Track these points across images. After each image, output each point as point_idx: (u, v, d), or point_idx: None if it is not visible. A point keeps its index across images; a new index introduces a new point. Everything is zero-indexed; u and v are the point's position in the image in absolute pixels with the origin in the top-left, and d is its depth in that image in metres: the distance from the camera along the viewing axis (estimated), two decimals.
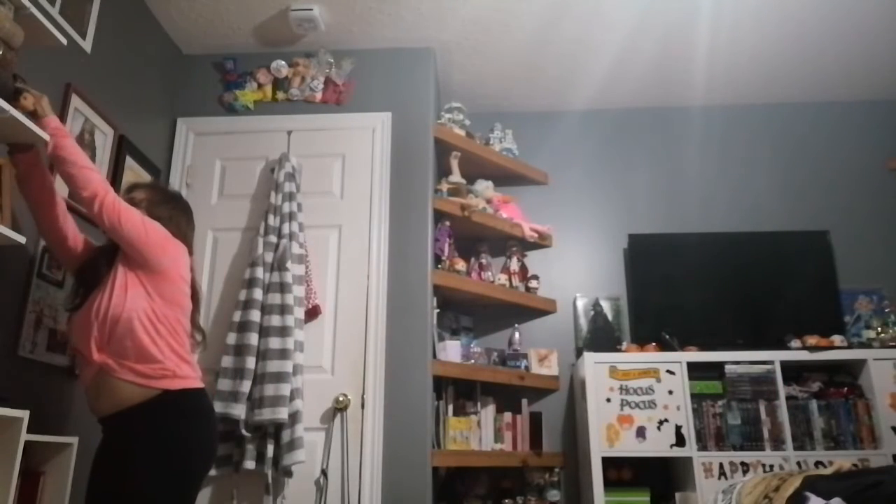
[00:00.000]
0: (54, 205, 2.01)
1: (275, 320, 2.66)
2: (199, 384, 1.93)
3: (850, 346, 3.05)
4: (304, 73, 3.20)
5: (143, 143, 2.90)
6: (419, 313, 2.88)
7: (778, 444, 2.87)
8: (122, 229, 1.85)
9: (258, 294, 2.69)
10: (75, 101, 2.42)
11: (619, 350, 3.15)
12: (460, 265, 3.20)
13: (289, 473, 2.58)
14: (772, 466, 2.82)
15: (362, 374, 2.79)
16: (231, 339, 2.67)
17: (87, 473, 1.85)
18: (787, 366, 2.99)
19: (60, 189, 2.12)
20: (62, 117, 2.35)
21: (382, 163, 3.08)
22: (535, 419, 3.22)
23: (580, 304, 3.50)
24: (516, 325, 3.40)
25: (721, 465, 2.82)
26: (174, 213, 2.07)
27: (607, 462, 2.88)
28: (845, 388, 2.99)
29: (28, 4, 1.87)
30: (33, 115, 1.85)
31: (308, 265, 2.87)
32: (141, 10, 2.94)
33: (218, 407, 2.55)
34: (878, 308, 3.37)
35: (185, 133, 3.18)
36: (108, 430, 1.86)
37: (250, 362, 2.60)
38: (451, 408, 3.03)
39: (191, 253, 2.07)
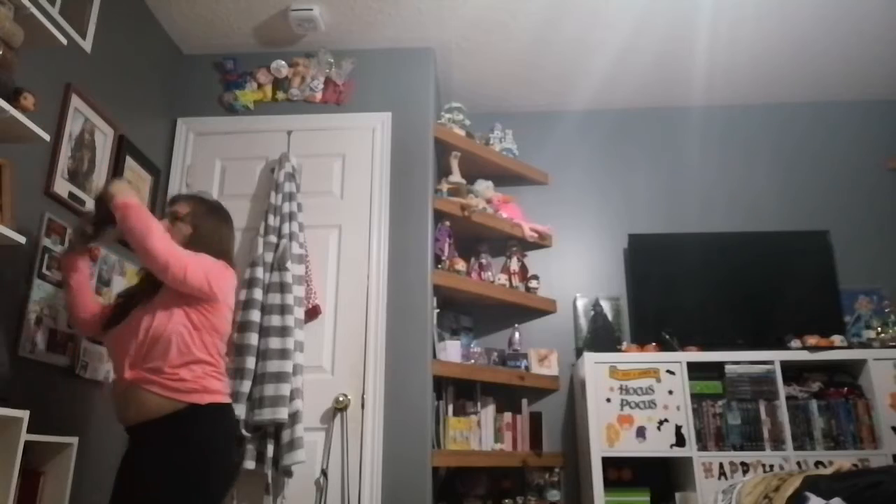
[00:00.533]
0: (89, 287, 2.13)
1: (275, 320, 2.66)
2: (226, 400, 1.94)
3: (850, 346, 3.05)
4: (304, 73, 3.20)
5: (143, 143, 2.90)
6: (419, 313, 2.88)
7: (778, 444, 2.86)
8: (186, 285, 1.86)
9: (258, 294, 2.69)
10: (75, 101, 2.42)
11: (619, 350, 3.14)
12: (460, 265, 3.20)
13: (289, 473, 2.58)
14: (772, 466, 2.82)
15: (362, 374, 2.79)
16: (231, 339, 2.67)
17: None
18: (787, 366, 2.99)
19: None
20: (62, 117, 2.35)
21: (382, 163, 3.08)
22: (535, 419, 3.22)
23: (580, 304, 3.50)
24: (516, 325, 3.40)
25: (721, 465, 2.82)
26: (219, 225, 2.10)
27: (607, 462, 2.88)
28: (845, 388, 2.99)
29: (28, 4, 1.87)
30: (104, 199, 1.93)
31: (308, 265, 2.87)
32: (141, 10, 2.94)
33: None
34: (878, 308, 3.37)
35: (185, 133, 3.18)
36: (134, 439, 1.87)
37: (250, 362, 2.60)
38: (451, 408, 3.03)
39: (231, 263, 2.07)
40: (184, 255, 1.87)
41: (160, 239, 1.84)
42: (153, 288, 1.93)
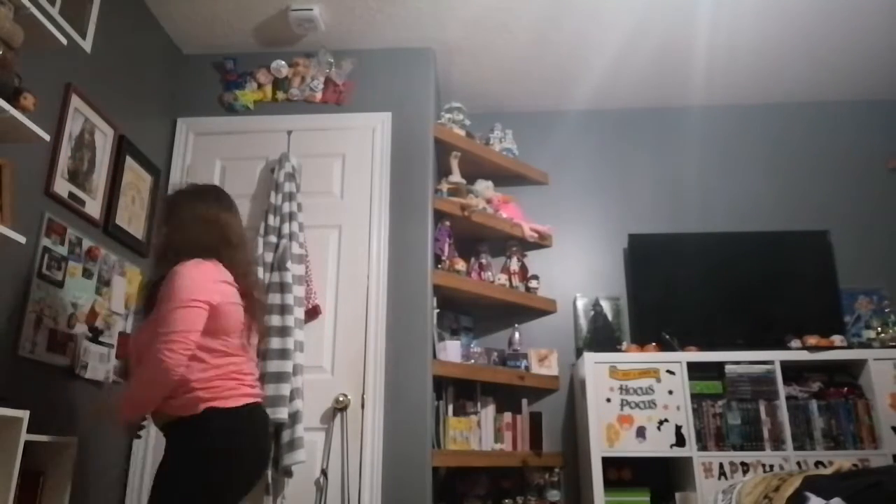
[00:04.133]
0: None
1: (275, 320, 2.66)
2: (244, 401, 1.85)
3: (850, 346, 3.05)
4: (304, 73, 3.20)
5: (143, 143, 2.90)
6: (419, 313, 2.88)
7: (778, 444, 2.86)
8: (182, 364, 1.76)
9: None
10: (75, 101, 2.42)
11: (619, 350, 3.14)
12: (460, 265, 3.20)
13: (289, 473, 2.58)
14: (772, 466, 2.82)
15: (362, 374, 2.79)
16: None
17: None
18: (787, 366, 2.99)
19: None
20: (62, 117, 2.35)
21: (382, 163, 3.08)
22: (535, 419, 3.22)
23: (580, 304, 3.50)
24: (516, 325, 3.40)
25: (721, 465, 2.82)
26: (194, 215, 1.97)
27: (607, 462, 2.88)
28: (845, 388, 2.99)
29: (28, 4, 1.87)
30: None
31: (308, 265, 2.87)
32: (141, 10, 2.94)
33: None
34: (878, 308, 3.37)
35: (185, 133, 3.18)
36: (165, 439, 1.86)
37: None
38: (451, 408, 3.03)
39: (219, 251, 1.94)
40: (153, 368, 1.74)
41: (145, 388, 1.79)
42: (150, 303, 1.89)
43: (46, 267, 2.23)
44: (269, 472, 2.55)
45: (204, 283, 1.85)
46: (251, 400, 1.89)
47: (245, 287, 1.97)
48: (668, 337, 3.14)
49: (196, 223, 1.96)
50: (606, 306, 3.44)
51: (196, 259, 1.88)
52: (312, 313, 2.84)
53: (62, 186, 2.34)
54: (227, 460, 1.80)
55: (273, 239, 2.81)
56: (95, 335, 2.48)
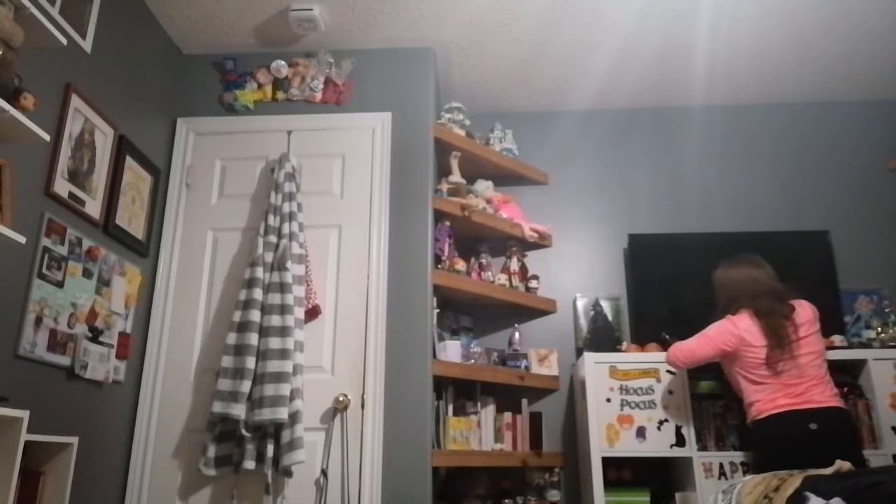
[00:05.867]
0: None
1: (275, 320, 2.66)
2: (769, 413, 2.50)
3: (850, 346, 3.05)
4: (304, 73, 3.21)
5: (143, 143, 2.90)
6: (419, 313, 2.88)
7: None
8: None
9: (258, 294, 2.69)
10: (75, 101, 2.42)
11: (619, 350, 3.15)
12: (460, 265, 3.20)
13: (289, 473, 2.58)
14: None
15: (362, 374, 2.79)
16: (231, 339, 2.67)
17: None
18: None
19: None
20: (62, 117, 2.35)
21: (382, 163, 3.08)
22: (535, 419, 3.22)
23: (580, 304, 3.50)
24: (516, 325, 3.40)
25: (721, 465, 2.81)
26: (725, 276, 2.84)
27: (607, 462, 2.88)
28: (845, 388, 2.98)
29: (28, 4, 1.87)
30: None
31: (308, 265, 2.87)
32: (141, 10, 2.94)
33: (218, 407, 2.56)
34: (878, 308, 3.37)
35: (185, 133, 3.18)
36: None
37: (250, 362, 2.60)
38: (451, 408, 3.03)
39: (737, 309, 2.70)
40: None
41: None
42: None
43: (46, 267, 2.23)
44: (269, 472, 2.56)
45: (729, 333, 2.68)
46: None
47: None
48: (668, 337, 3.13)
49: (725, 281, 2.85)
50: (606, 306, 3.44)
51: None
52: (312, 313, 2.84)
53: (62, 186, 2.34)
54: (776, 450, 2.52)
55: (273, 239, 2.81)
56: (95, 335, 2.48)
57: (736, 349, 2.60)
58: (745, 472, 2.75)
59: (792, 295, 2.66)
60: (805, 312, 2.63)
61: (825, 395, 2.50)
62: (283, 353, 2.61)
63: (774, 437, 2.49)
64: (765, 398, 2.52)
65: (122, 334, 2.67)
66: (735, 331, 2.60)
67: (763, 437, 2.54)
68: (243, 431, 2.55)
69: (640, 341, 3.22)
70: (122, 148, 2.71)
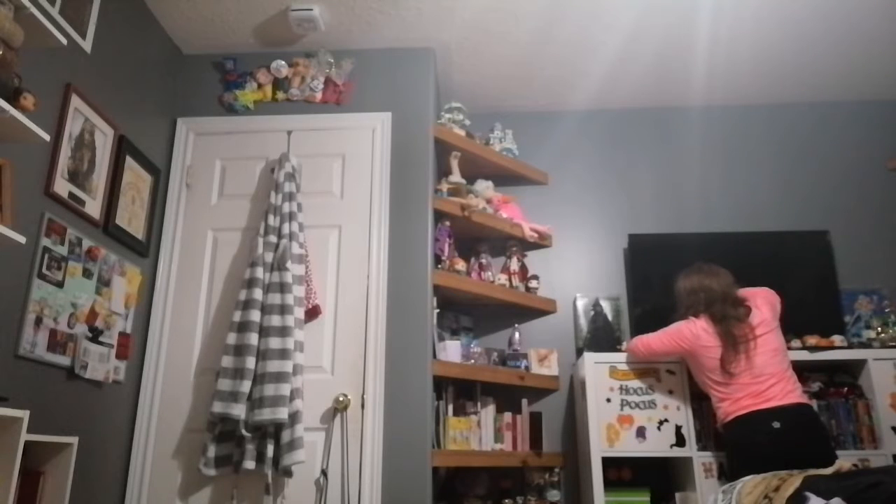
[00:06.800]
0: None
1: (275, 320, 2.66)
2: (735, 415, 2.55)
3: (850, 346, 3.05)
4: (304, 73, 3.21)
5: (143, 143, 2.90)
6: (419, 313, 2.88)
7: None
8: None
9: (258, 294, 2.69)
10: (75, 101, 2.42)
11: (619, 350, 3.14)
12: (460, 265, 3.20)
13: (289, 473, 2.58)
14: None
15: (362, 374, 2.79)
16: (231, 339, 2.67)
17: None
18: None
19: None
20: (62, 117, 2.35)
21: (382, 163, 3.08)
22: (535, 419, 3.21)
23: (580, 304, 3.50)
24: (516, 325, 3.40)
25: (721, 465, 2.81)
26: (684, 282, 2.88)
27: (607, 462, 2.88)
28: (845, 388, 2.99)
29: (28, 4, 1.87)
30: None
31: (308, 265, 2.87)
32: (141, 10, 2.94)
33: (218, 407, 2.56)
34: (878, 308, 3.37)
35: (185, 133, 3.18)
36: None
37: (250, 362, 2.60)
38: (451, 408, 3.03)
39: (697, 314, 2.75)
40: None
41: None
42: None
43: (46, 267, 2.23)
44: (269, 472, 2.56)
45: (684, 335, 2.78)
46: None
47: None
48: None
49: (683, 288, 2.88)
50: (606, 306, 3.44)
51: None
52: (312, 313, 2.84)
53: (62, 186, 2.34)
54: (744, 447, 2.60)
55: (273, 239, 2.81)
56: (95, 335, 2.48)
57: (692, 348, 2.68)
58: (719, 476, 2.77)
59: (746, 300, 2.71)
60: (761, 312, 2.66)
61: (786, 392, 2.51)
62: (283, 354, 2.61)
63: (742, 439, 2.54)
64: (730, 400, 2.58)
65: (122, 334, 2.67)
66: (693, 329, 2.69)
67: (731, 440, 2.60)
68: (243, 431, 2.55)
69: None
70: (122, 148, 2.71)
